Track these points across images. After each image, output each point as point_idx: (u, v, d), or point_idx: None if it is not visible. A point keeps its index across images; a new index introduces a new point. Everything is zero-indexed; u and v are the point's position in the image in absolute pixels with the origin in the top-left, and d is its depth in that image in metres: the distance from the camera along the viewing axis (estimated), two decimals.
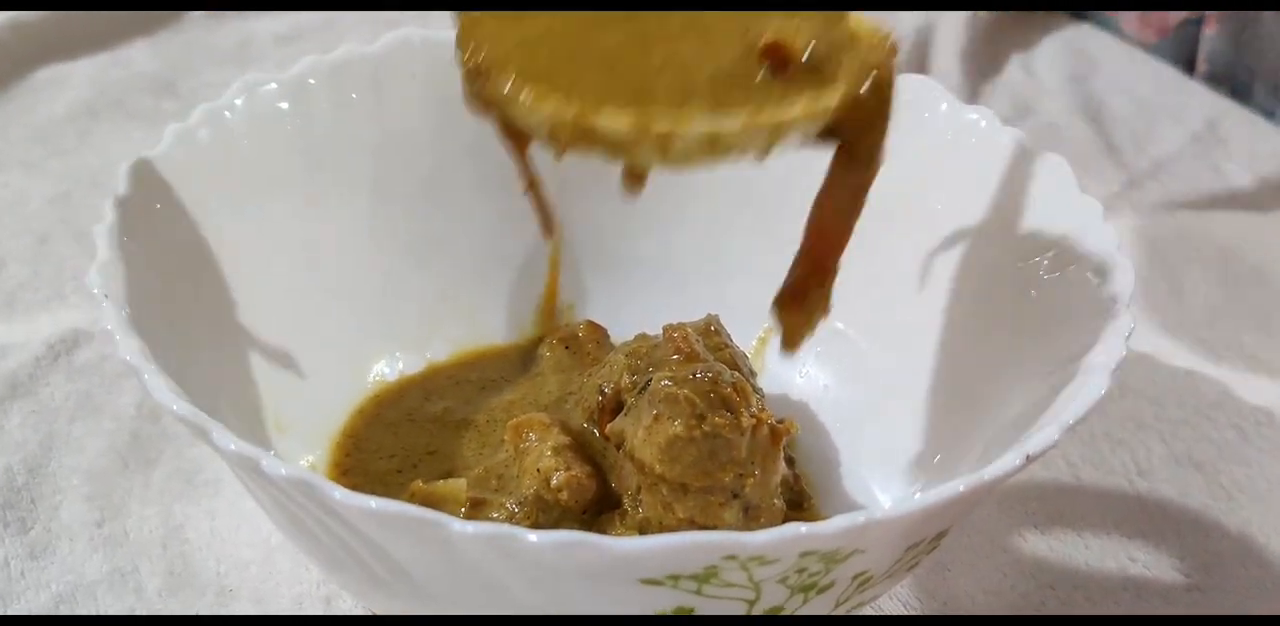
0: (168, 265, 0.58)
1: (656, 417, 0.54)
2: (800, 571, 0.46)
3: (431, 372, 0.69)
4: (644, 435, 0.55)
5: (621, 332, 0.68)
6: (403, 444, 0.64)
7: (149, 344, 0.51)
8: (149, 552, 0.62)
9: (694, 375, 0.55)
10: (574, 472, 0.57)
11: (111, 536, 0.63)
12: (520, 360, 0.70)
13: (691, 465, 0.54)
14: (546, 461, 0.57)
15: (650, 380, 0.56)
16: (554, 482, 0.56)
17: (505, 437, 0.59)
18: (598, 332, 0.69)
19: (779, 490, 0.56)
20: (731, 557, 0.44)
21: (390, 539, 0.46)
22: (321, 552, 0.51)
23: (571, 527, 0.51)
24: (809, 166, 0.67)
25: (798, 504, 0.61)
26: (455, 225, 0.70)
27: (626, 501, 0.56)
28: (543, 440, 0.58)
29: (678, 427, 0.54)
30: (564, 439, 0.58)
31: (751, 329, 0.69)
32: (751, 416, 0.54)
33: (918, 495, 0.46)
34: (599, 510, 0.57)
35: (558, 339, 0.68)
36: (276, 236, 0.64)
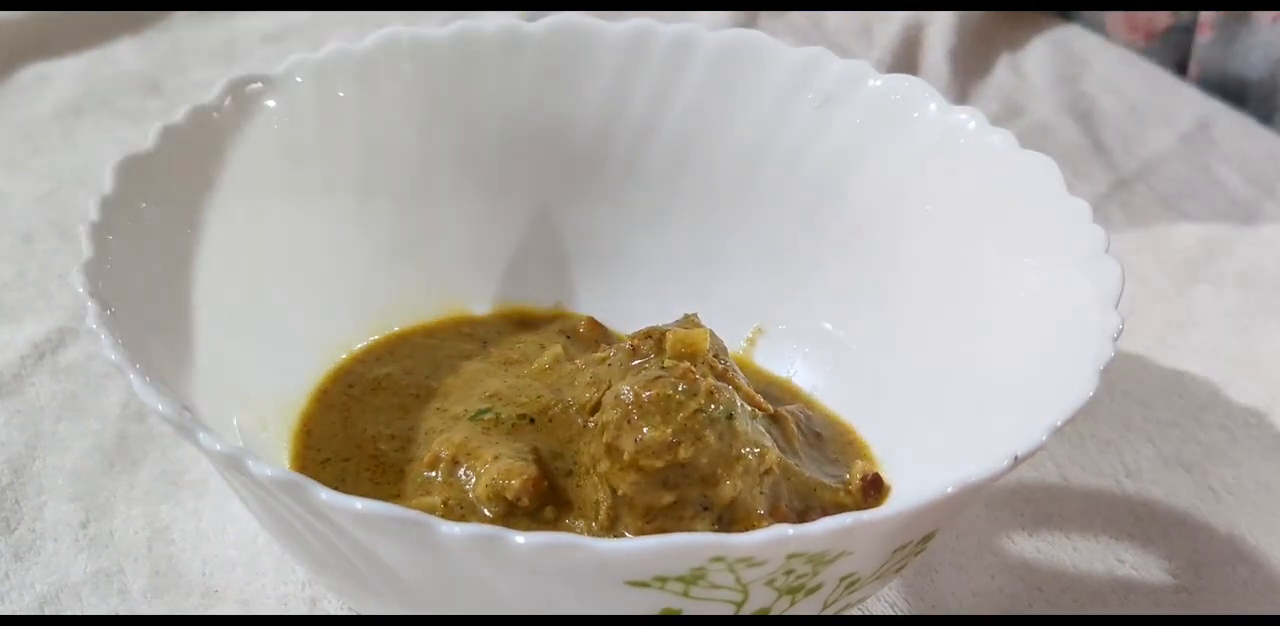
0: (153, 264, 0.58)
1: (611, 441, 0.55)
2: (788, 573, 0.46)
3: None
4: (605, 458, 0.56)
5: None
6: (361, 433, 0.64)
7: (134, 343, 0.51)
8: (134, 553, 0.62)
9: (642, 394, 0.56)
10: (526, 477, 0.57)
11: (96, 537, 0.63)
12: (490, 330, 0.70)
13: (652, 484, 0.55)
14: (492, 476, 0.57)
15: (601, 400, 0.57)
16: (510, 495, 0.57)
17: (424, 469, 0.60)
18: (597, 330, 0.69)
19: (764, 491, 0.56)
20: (719, 559, 0.44)
21: (376, 540, 0.46)
22: (307, 553, 0.51)
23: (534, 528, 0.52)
24: (803, 161, 0.68)
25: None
26: (441, 224, 0.70)
27: (588, 512, 0.57)
28: (473, 463, 0.59)
29: (633, 453, 0.55)
30: (489, 455, 0.59)
31: (741, 327, 0.69)
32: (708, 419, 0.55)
33: (905, 497, 0.46)
34: (553, 508, 0.57)
35: (557, 331, 0.69)
36: (262, 235, 0.64)
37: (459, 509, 0.57)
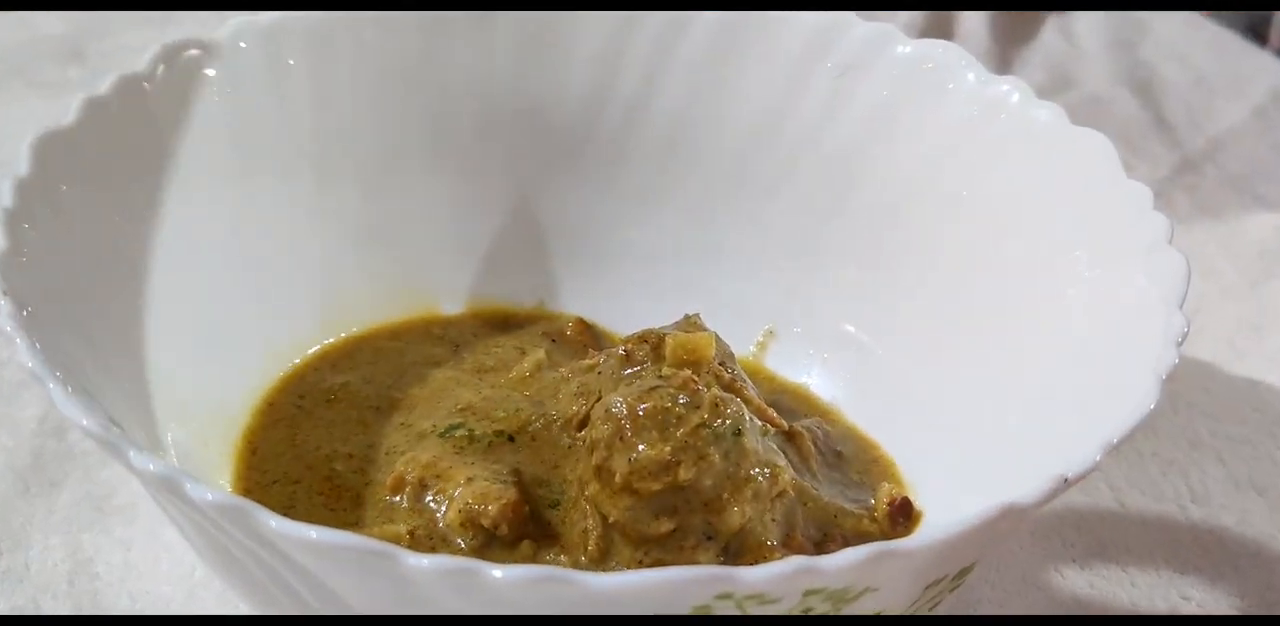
0: (76, 256, 0.58)
1: (601, 461, 0.55)
2: (805, 612, 0.46)
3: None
4: (594, 480, 0.56)
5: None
6: (313, 451, 0.64)
7: (54, 348, 0.51)
8: (52, 589, 0.62)
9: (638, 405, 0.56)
10: (505, 501, 0.57)
11: (10, 570, 0.63)
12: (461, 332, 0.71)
13: (648, 508, 0.55)
14: (465, 500, 0.58)
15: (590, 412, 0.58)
16: (486, 522, 0.57)
17: (387, 493, 0.60)
18: (586, 333, 0.69)
19: (776, 519, 0.57)
20: (726, 596, 0.44)
21: (332, 573, 0.46)
22: (253, 589, 0.51)
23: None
24: (820, 139, 0.68)
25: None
26: (409, 211, 0.70)
27: (575, 544, 0.57)
28: (444, 487, 0.59)
29: (623, 470, 0.55)
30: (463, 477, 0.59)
31: (750, 328, 0.69)
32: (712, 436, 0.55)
33: (938, 524, 0.46)
34: (531, 543, 0.58)
35: (540, 334, 0.69)
36: (203, 223, 0.64)
37: (428, 539, 0.57)
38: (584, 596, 0.43)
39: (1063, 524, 0.67)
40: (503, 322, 0.71)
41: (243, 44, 0.65)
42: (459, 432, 0.61)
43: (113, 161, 0.61)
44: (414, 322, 0.71)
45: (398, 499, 0.59)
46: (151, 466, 0.46)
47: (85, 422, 0.48)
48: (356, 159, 0.69)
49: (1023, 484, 0.48)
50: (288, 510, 0.60)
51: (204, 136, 0.64)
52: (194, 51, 0.64)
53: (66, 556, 0.64)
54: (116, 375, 0.57)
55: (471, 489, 0.58)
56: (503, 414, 0.62)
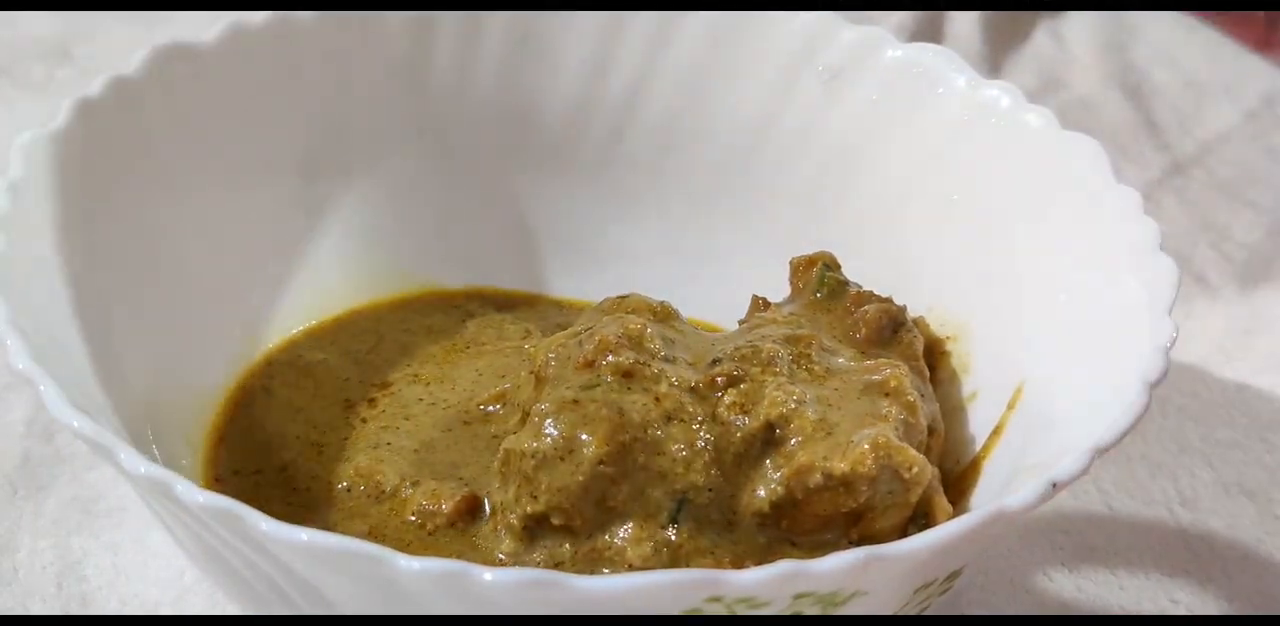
0: (66, 259, 0.58)
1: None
2: (795, 616, 0.46)
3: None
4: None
5: None
6: (270, 438, 0.64)
7: (44, 351, 0.51)
8: (41, 592, 0.63)
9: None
10: (457, 498, 0.59)
11: None
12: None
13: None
14: (419, 501, 0.59)
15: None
16: (441, 521, 0.59)
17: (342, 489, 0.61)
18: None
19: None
20: (716, 599, 0.44)
21: (324, 576, 0.46)
22: (244, 591, 0.52)
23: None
24: (809, 143, 0.68)
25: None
26: (396, 212, 0.71)
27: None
28: (398, 487, 0.60)
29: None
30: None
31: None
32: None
33: (928, 529, 0.46)
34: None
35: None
36: (194, 223, 0.65)
37: (382, 540, 0.58)
38: (574, 599, 0.44)
39: (1051, 527, 0.68)
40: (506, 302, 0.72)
41: (233, 45, 0.65)
42: (409, 425, 0.62)
43: (104, 162, 0.61)
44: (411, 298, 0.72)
45: (350, 491, 0.60)
46: (143, 468, 0.46)
47: (77, 425, 0.48)
48: (345, 160, 0.69)
49: (1011, 488, 0.48)
50: (249, 502, 0.60)
51: (194, 137, 0.64)
52: (184, 52, 0.64)
53: (55, 559, 0.64)
54: (106, 376, 0.57)
55: (422, 490, 0.59)
56: (456, 400, 0.63)
